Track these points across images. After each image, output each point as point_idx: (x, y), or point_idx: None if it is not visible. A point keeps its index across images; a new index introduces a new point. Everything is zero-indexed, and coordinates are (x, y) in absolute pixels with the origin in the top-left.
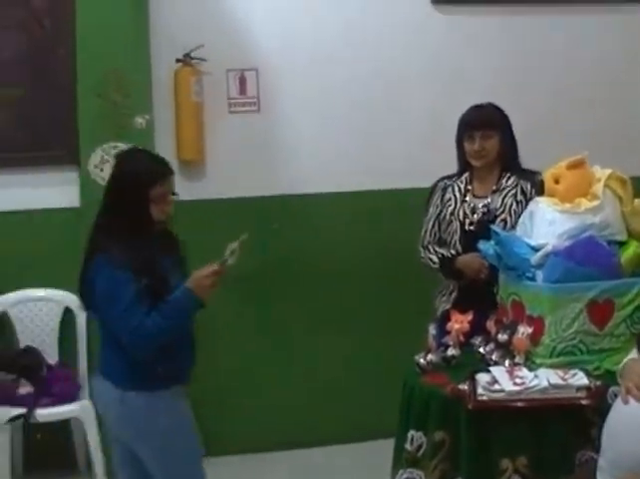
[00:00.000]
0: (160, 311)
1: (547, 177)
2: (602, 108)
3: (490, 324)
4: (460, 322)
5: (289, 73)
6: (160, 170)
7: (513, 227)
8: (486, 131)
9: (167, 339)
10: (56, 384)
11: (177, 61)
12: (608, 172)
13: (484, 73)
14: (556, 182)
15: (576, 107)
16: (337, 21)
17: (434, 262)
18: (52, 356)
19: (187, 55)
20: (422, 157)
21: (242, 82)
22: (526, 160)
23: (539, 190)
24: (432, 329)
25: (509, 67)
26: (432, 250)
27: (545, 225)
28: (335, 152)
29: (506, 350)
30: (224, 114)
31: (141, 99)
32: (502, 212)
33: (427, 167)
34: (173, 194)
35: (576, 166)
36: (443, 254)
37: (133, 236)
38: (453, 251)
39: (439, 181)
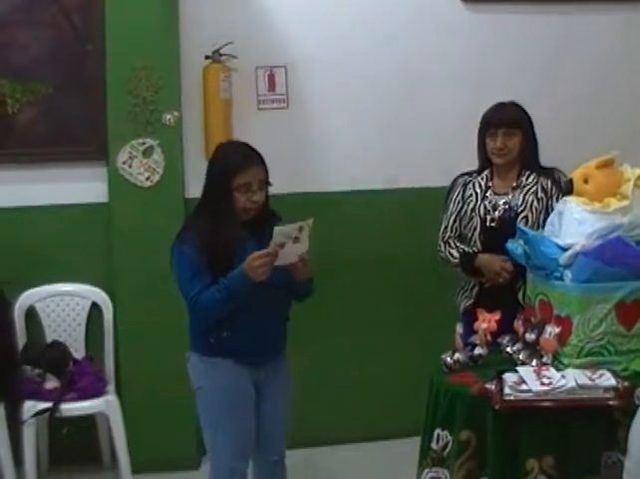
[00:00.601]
0: (217, 286)
1: (577, 176)
2: (633, 107)
3: (518, 324)
4: (487, 322)
5: (318, 70)
6: (239, 162)
7: (534, 224)
8: (509, 129)
9: (222, 312)
10: (82, 379)
11: (207, 57)
12: (638, 171)
13: (512, 71)
14: (585, 181)
15: (606, 106)
16: (366, 19)
17: (454, 257)
18: (78, 351)
19: (217, 52)
20: (450, 155)
21: (271, 79)
22: (555, 158)
23: (569, 188)
24: (459, 328)
25: (538, 65)
26: (452, 245)
27: (574, 224)
28: (363, 149)
29: (534, 350)
30: (253, 110)
31: (170, 95)
32: (524, 209)
33: (456, 165)
34: (268, 183)
35: (605, 165)
36: (464, 250)
37: (215, 221)
38: (474, 249)
39: (458, 177)
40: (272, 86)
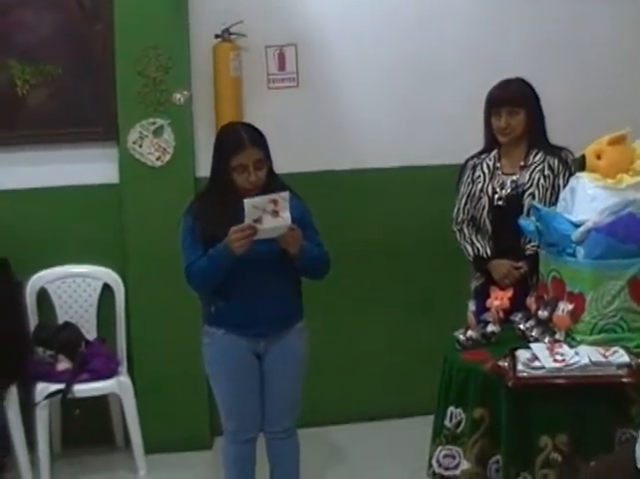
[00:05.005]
0: (206, 256)
1: (589, 152)
2: None
3: (531, 301)
4: (499, 299)
5: (328, 49)
6: (233, 145)
7: (541, 201)
8: (513, 107)
9: (210, 281)
10: (94, 360)
11: (216, 37)
12: None
13: (523, 51)
14: (598, 157)
15: (617, 84)
16: None
17: (468, 254)
18: (90, 332)
19: (226, 30)
20: (464, 131)
21: (281, 58)
22: (567, 138)
23: (581, 165)
24: (471, 306)
25: (548, 46)
26: (467, 237)
27: (587, 200)
28: (374, 127)
29: (547, 327)
30: (263, 89)
31: (179, 75)
32: (530, 186)
33: (470, 141)
34: (268, 162)
35: (618, 141)
36: (478, 250)
37: (217, 197)
38: (487, 251)
39: (468, 160)
40: (282, 65)
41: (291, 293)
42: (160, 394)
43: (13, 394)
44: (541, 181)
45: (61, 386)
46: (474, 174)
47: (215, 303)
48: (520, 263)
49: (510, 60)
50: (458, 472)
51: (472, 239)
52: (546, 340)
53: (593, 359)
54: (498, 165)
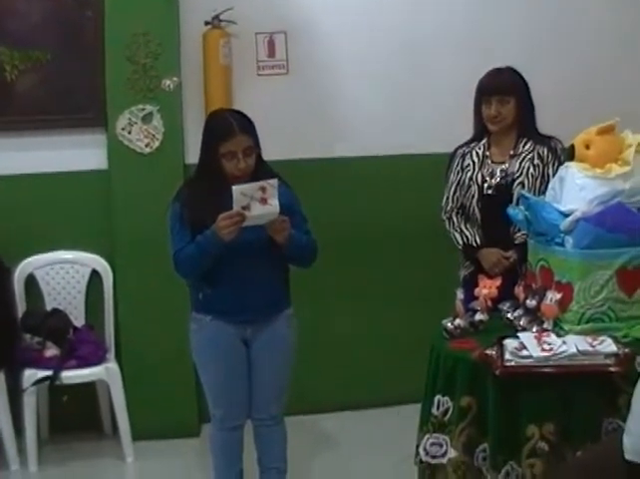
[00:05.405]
0: (194, 243)
1: (578, 142)
2: (634, 73)
3: (519, 290)
4: (488, 287)
5: (318, 36)
6: (225, 129)
7: (530, 190)
8: (503, 96)
9: (198, 268)
10: (82, 347)
11: (206, 23)
12: (639, 137)
13: (516, 35)
14: (587, 147)
15: (607, 75)
16: None
17: (457, 242)
18: (78, 319)
19: (216, 17)
20: (455, 120)
21: (271, 45)
22: (557, 127)
23: (570, 154)
24: (460, 294)
25: (540, 29)
26: (456, 226)
27: (576, 190)
28: (364, 115)
29: (535, 316)
30: (253, 76)
31: (169, 61)
32: (520, 175)
33: (461, 130)
34: (257, 149)
35: (606, 131)
36: (467, 238)
37: (206, 184)
38: (477, 240)
39: (457, 148)
40: (272, 52)
41: (279, 280)
42: (147, 381)
43: (0, 381)
44: (531, 170)
45: (49, 373)
46: (463, 162)
47: (203, 290)
48: (510, 252)
49: (501, 50)
50: (445, 460)
51: (460, 228)
52: (534, 329)
53: (581, 348)
54: (488, 153)
